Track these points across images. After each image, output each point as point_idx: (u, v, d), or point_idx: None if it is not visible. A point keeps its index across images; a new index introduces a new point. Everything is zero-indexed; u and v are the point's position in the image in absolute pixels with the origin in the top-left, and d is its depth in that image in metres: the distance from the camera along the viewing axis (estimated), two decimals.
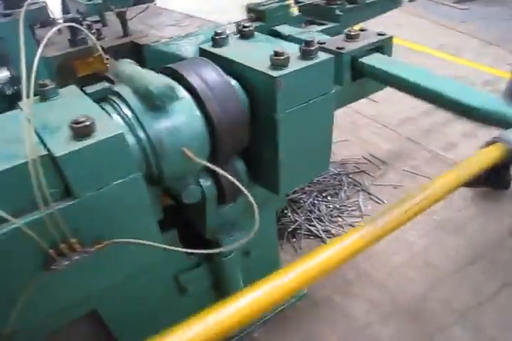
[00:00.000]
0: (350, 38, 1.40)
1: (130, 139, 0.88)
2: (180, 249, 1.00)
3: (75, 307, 1.09)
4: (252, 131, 1.10)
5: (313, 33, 1.71)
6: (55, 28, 0.84)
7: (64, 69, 0.99)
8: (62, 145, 0.77)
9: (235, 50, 1.11)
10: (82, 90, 0.98)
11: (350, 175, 2.67)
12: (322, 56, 1.03)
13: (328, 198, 2.51)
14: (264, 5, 1.76)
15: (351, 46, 1.37)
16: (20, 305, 0.83)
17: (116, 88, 0.93)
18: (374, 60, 1.36)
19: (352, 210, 2.44)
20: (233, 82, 1.02)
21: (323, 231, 2.29)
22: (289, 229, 2.30)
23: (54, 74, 0.99)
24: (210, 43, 1.14)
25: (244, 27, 1.18)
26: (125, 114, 0.89)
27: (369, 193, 2.54)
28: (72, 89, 0.96)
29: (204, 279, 1.54)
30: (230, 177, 0.94)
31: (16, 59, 0.96)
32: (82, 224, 0.85)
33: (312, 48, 1.01)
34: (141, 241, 0.93)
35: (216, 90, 0.96)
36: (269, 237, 1.70)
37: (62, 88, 0.96)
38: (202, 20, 1.32)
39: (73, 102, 0.91)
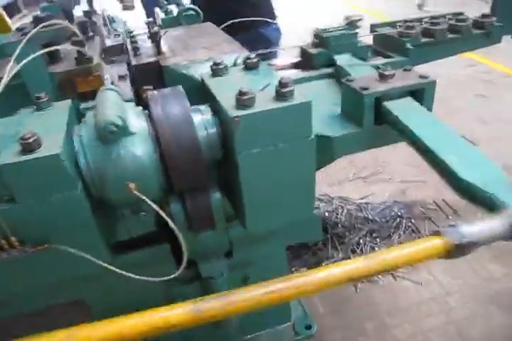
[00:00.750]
0: (382, 77, 1.29)
1: (81, 161, 0.95)
2: (123, 272, 1.03)
3: (39, 296, 1.21)
4: (227, 166, 1.09)
5: (366, 66, 1.61)
6: (42, 51, 0.95)
7: (65, 85, 1.09)
8: (8, 157, 0.87)
9: (224, 83, 1.11)
10: (77, 105, 1.08)
11: (412, 220, 2.44)
12: (298, 99, 0.97)
13: (378, 240, 2.32)
14: (329, 31, 1.71)
15: (379, 87, 1.26)
16: None
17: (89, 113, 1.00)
18: (396, 106, 1.23)
19: None
20: (198, 117, 1.02)
21: None
22: (323, 264, 2.19)
23: (57, 88, 1.11)
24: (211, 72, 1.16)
25: (249, 58, 1.17)
26: (79, 138, 0.96)
27: None
28: (64, 104, 1.06)
29: (194, 295, 1.55)
30: (160, 211, 0.94)
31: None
32: (23, 226, 0.94)
33: (285, 90, 0.96)
34: (80, 253, 0.99)
35: (174, 125, 0.96)
36: (277, 267, 1.65)
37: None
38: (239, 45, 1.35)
39: (51, 117, 1.01)
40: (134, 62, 1.37)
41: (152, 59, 1.36)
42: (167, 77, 1.33)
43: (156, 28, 1.52)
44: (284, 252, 1.66)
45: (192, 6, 1.91)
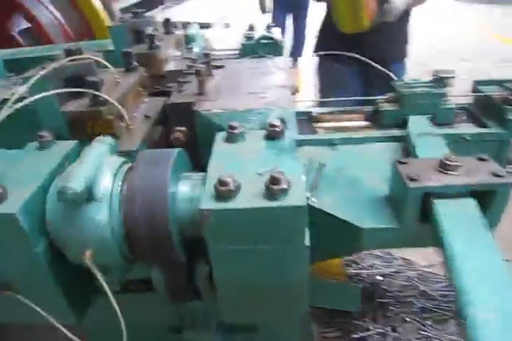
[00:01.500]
0: (443, 167, 1.04)
1: (46, 217, 0.89)
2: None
3: None
4: None
5: (438, 140, 1.31)
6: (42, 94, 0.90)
7: (76, 125, 1.05)
8: None
9: (229, 154, 0.97)
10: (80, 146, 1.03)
11: None
12: (291, 200, 0.79)
13: (428, 322, 1.99)
14: (409, 86, 1.46)
15: (432, 180, 1.01)
16: None
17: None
18: (446, 210, 0.97)
19: None
20: (184, 188, 0.91)
21: None
22: (355, 335, 1.94)
23: (68, 127, 1.07)
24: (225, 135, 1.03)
25: (272, 126, 1.00)
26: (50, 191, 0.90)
27: None
28: (65, 146, 1.02)
29: None
30: (104, 284, 0.84)
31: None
32: None
33: (276, 188, 0.78)
34: (37, 309, 0.95)
35: (144, 196, 0.86)
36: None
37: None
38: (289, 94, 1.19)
39: (43, 160, 0.97)
40: (170, 99, 1.29)
41: (187, 99, 1.27)
42: (197, 123, 1.23)
43: (206, 60, 1.42)
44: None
45: (270, 34, 1.77)
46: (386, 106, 1.46)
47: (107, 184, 0.88)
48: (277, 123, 1.00)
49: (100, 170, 0.88)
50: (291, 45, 6.60)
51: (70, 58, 1.04)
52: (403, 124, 1.45)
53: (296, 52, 6.42)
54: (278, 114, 1.16)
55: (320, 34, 2.89)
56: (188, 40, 1.89)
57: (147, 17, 1.63)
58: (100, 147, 0.93)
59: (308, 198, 1.07)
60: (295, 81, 1.58)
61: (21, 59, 1.80)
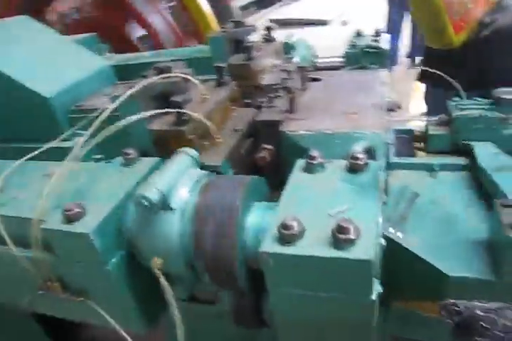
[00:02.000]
0: None
1: (125, 226, 0.94)
2: None
3: None
4: None
5: None
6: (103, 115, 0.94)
7: (160, 143, 1.08)
8: (52, 222, 0.90)
9: (305, 186, 0.90)
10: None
11: None
12: (356, 252, 0.70)
13: None
14: (464, 107, 1.23)
15: None
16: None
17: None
18: None
19: None
20: (257, 218, 0.89)
21: None
22: None
23: (154, 144, 1.10)
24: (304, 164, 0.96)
25: (354, 158, 0.91)
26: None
27: None
28: (147, 163, 1.04)
29: None
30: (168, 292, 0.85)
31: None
32: (65, 277, 1.00)
33: (343, 237, 0.70)
34: (108, 318, 0.99)
35: (213, 221, 0.85)
36: None
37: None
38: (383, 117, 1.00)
39: (125, 177, 1.00)
40: (258, 115, 1.26)
41: (274, 117, 1.22)
42: (283, 143, 1.18)
43: (302, 74, 1.35)
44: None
45: (375, 43, 1.63)
46: (434, 130, 1.26)
47: (183, 196, 0.90)
48: (360, 155, 0.91)
49: (179, 181, 0.90)
50: (409, 44, 6.17)
51: (160, 76, 1.06)
52: (454, 150, 1.25)
53: (415, 52, 5.99)
54: (367, 141, 1.06)
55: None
56: (288, 48, 1.84)
57: (248, 26, 1.61)
58: (183, 159, 0.94)
59: (392, 233, 0.97)
60: (397, 95, 1.43)
61: (130, 65, 1.91)
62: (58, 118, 1.47)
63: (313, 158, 0.93)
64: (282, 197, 0.88)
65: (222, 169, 1.04)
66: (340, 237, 0.70)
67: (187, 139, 1.05)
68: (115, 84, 1.68)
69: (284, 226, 0.73)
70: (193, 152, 0.97)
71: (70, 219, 0.87)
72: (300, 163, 0.98)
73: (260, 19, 6.37)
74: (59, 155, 1.04)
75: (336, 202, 0.83)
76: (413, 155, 1.37)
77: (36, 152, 1.18)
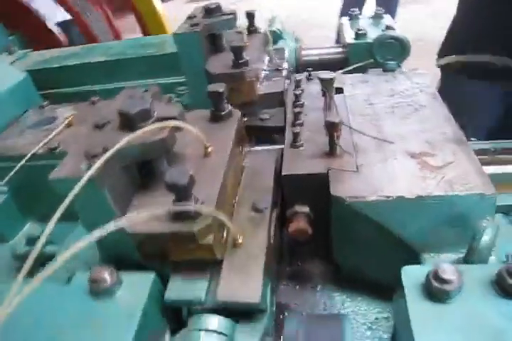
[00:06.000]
0: None
1: None
2: None
3: None
4: None
5: None
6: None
7: (149, 249, 0.62)
8: None
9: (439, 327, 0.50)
10: None
11: None
12: None
13: None
14: None
15: None
16: None
17: None
18: None
19: None
20: None
21: None
22: None
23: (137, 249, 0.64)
24: None
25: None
26: None
27: None
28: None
29: None
30: None
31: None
32: None
33: None
34: None
35: None
36: None
37: None
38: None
39: None
40: (283, 164, 0.82)
41: (312, 167, 0.80)
42: (335, 210, 0.76)
43: (325, 85, 0.91)
44: None
45: (392, 33, 1.21)
46: None
47: None
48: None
49: None
50: None
51: (141, 131, 0.58)
52: None
53: None
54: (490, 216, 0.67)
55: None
56: (276, 38, 1.38)
57: (226, 13, 1.11)
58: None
59: None
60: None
61: (53, 69, 1.36)
62: None
63: (444, 281, 0.53)
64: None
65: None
66: None
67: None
68: (40, 107, 1.14)
69: None
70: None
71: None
72: (412, 284, 0.56)
73: None
74: None
75: None
76: None
77: None
